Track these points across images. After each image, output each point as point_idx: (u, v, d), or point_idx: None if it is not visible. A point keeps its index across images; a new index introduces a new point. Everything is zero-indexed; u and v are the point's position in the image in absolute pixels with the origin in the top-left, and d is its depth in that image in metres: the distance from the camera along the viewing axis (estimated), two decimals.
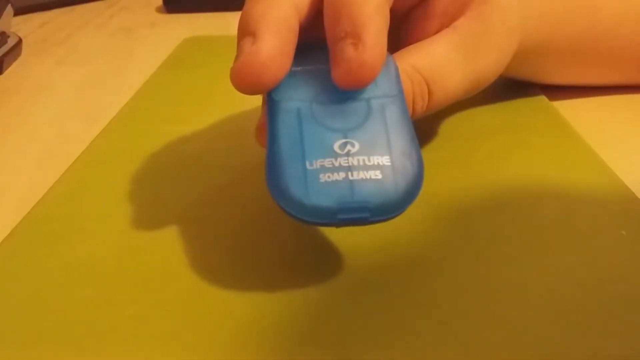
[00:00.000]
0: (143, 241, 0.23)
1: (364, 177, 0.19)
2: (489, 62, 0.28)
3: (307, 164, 0.19)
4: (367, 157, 0.19)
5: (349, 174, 0.19)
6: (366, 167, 0.19)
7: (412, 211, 0.20)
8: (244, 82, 0.20)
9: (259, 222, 0.24)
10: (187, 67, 0.44)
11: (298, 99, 0.21)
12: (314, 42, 0.22)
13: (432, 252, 0.22)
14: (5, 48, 0.48)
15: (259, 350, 0.18)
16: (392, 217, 0.19)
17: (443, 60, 0.26)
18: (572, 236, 0.23)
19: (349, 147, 0.19)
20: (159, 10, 0.66)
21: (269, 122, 0.21)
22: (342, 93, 0.21)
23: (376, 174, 0.19)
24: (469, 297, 0.20)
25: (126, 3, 0.71)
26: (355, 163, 0.19)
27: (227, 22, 0.59)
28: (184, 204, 0.26)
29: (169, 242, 0.23)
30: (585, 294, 0.20)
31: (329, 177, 0.19)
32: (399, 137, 0.20)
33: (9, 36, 0.50)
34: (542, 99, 0.35)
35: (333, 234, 0.23)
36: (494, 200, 0.25)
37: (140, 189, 0.27)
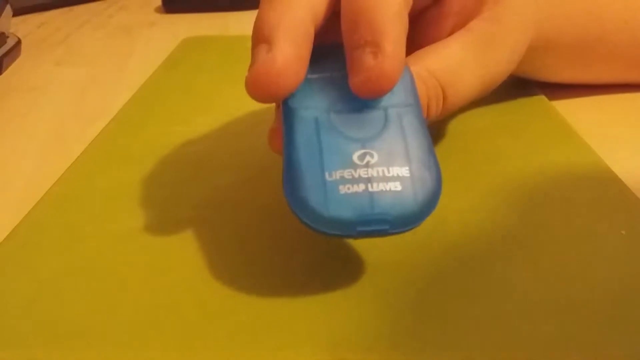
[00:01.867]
0: (143, 242, 0.23)
1: (384, 189, 0.19)
2: (503, 62, 0.28)
3: (327, 175, 0.19)
4: (387, 168, 0.19)
5: (369, 185, 0.19)
6: (386, 179, 0.19)
7: None
8: (259, 91, 0.20)
9: (259, 223, 0.24)
10: (186, 67, 0.44)
11: (315, 107, 0.20)
12: (327, 47, 0.22)
13: (430, 252, 0.22)
14: (5, 49, 0.48)
15: (259, 350, 0.18)
16: (411, 229, 0.19)
17: (458, 64, 0.25)
18: (571, 236, 0.23)
19: (368, 157, 0.19)
20: (157, 10, 0.66)
21: (285, 129, 0.20)
22: (359, 101, 0.20)
23: (396, 186, 0.19)
24: (467, 296, 0.20)
25: (125, 3, 0.71)
26: (375, 174, 0.19)
27: (226, 22, 0.59)
28: (184, 205, 0.26)
29: (169, 242, 0.23)
30: (585, 294, 0.20)
31: (348, 188, 0.18)
32: (417, 147, 0.20)
33: (7, 37, 0.50)
34: (542, 98, 0.35)
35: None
36: (492, 199, 0.25)
37: (139, 190, 0.27)
